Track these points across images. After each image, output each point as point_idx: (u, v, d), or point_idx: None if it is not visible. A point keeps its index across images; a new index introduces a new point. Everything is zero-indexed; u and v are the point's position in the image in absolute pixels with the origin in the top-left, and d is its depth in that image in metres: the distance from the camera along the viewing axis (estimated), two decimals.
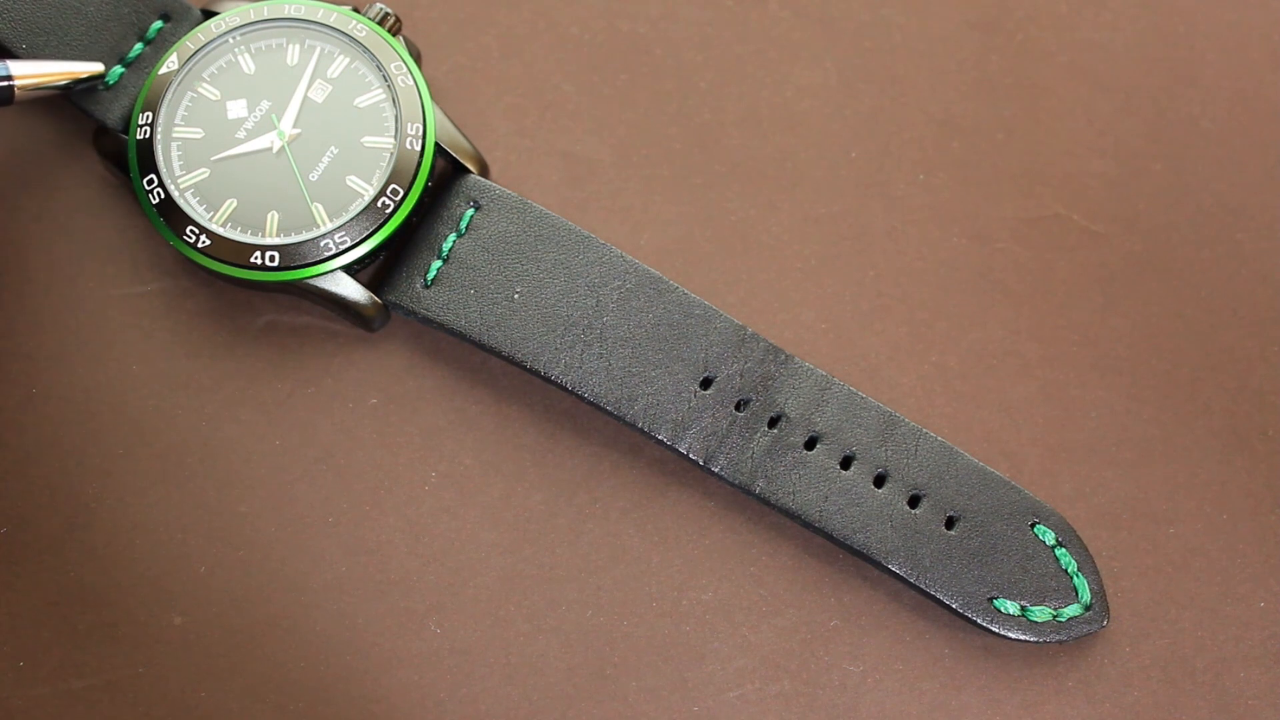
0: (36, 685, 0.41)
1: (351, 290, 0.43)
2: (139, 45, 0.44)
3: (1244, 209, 0.47)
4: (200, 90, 0.44)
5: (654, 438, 0.42)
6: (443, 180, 0.44)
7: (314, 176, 0.43)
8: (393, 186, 0.43)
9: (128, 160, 0.43)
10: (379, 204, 0.42)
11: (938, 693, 0.42)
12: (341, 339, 0.44)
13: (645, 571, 0.43)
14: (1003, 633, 0.41)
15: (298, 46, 0.44)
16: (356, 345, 0.44)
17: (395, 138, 0.43)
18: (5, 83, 0.42)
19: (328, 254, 0.42)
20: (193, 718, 0.41)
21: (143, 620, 0.42)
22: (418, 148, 0.43)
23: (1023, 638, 0.41)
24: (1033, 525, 0.42)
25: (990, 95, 0.48)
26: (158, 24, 0.45)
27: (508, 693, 0.42)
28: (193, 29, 0.44)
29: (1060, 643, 0.41)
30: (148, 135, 0.43)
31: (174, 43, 0.44)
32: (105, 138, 0.44)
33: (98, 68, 0.43)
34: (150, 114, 0.43)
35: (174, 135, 0.43)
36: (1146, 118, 0.47)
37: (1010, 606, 0.41)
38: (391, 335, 0.44)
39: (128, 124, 0.44)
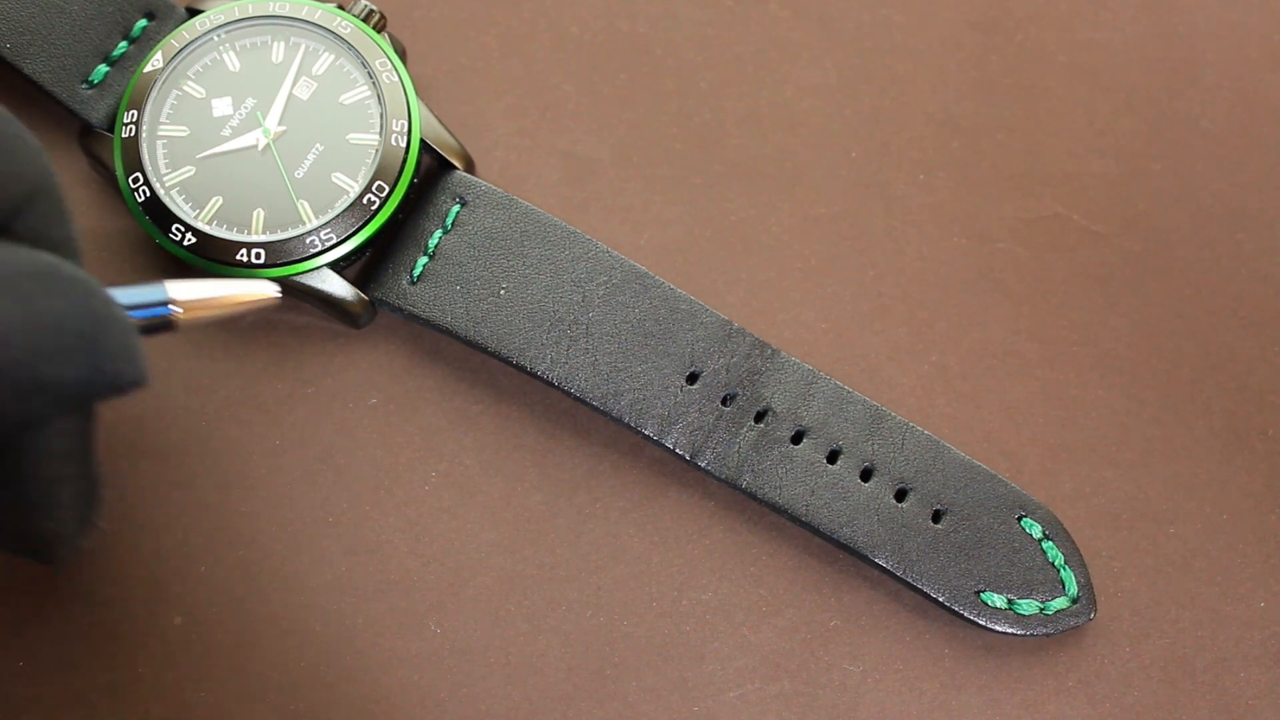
0: (36, 685, 0.41)
1: (338, 287, 0.43)
2: (123, 44, 0.44)
3: (1244, 209, 0.47)
4: (185, 88, 0.44)
5: (640, 432, 0.42)
6: (429, 177, 0.44)
7: (299, 174, 0.43)
8: (378, 183, 0.43)
9: (113, 159, 0.43)
10: (365, 200, 0.42)
11: (938, 693, 0.42)
12: (342, 339, 0.44)
13: (645, 571, 0.43)
14: (990, 626, 0.41)
15: (282, 44, 0.44)
16: (357, 345, 0.44)
17: (380, 134, 0.43)
18: (162, 310, 0.34)
19: (314, 251, 0.42)
20: (193, 718, 0.41)
21: (143, 620, 0.42)
22: (403, 144, 0.43)
23: (1010, 631, 0.41)
24: (1019, 518, 0.42)
25: (990, 95, 0.48)
26: (142, 22, 0.45)
27: (508, 693, 0.42)
28: (177, 27, 0.44)
29: (1047, 635, 0.41)
30: (133, 134, 0.43)
31: (159, 41, 0.44)
32: (90, 137, 0.44)
33: (273, 291, 0.36)
34: (135, 112, 0.43)
35: (159, 133, 0.43)
36: (1146, 118, 0.47)
37: (997, 600, 0.41)
38: (392, 335, 0.44)
39: (113, 122, 0.44)
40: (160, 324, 0.34)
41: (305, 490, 0.43)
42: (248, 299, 0.36)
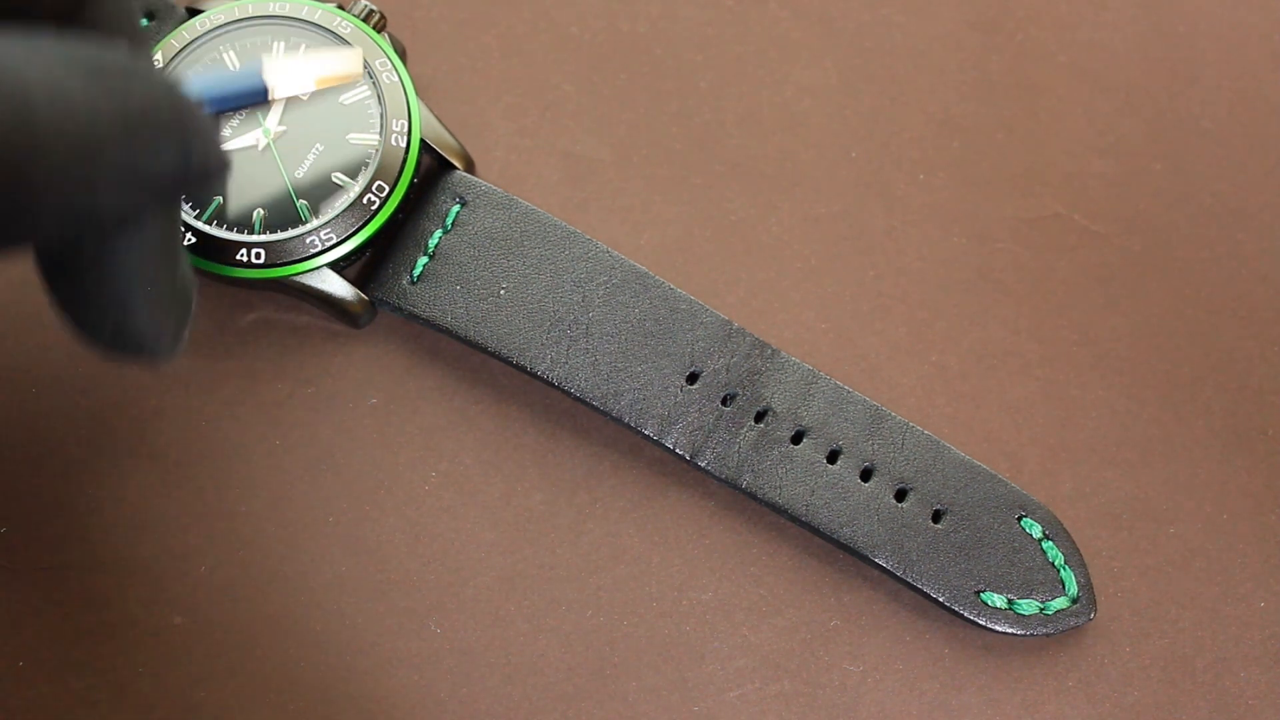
0: (36, 685, 0.41)
1: (338, 287, 0.43)
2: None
3: (1244, 209, 0.47)
4: None
5: (640, 433, 0.42)
6: (429, 177, 0.44)
7: (300, 174, 0.43)
8: (378, 183, 0.43)
9: None
10: (365, 200, 0.42)
11: (938, 693, 0.42)
12: (342, 339, 0.44)
13: (645, 571, 0.43)
14: (990, 626, 0.41)
15: (282, 44, 0.44)
16: (356, 345, 0.44)
17: (380, 134, 0.43)
18: (259, 97, 0.36)
19: (314, 251, 0.42)
20: (193, 718, 0.41)
21: (143, 620, 0.42)
22: (403, 144, 0.43)
23: (1010, 631, 0.41)
24: (1019, 519, 0.42)
25: (990, 95, 0.48)
26: (143, 22, 0.45)
27: (508, 693, 0.42)
28: (177, 27, 0.44)
29: (1047, 635, 0.41)
30: None
31: (159, 40, 0.44)
32: None
33: (358, 67, 0.38)
34: None
35: None
36: (1146, 118, 0.47)
37: (997, 599, 0.41)
38: (392, 335, 0.44)
39: None
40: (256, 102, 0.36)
41: (305, 490, 0.43)
42: (334, 78, 0.37)
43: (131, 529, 0.42)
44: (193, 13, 0.45)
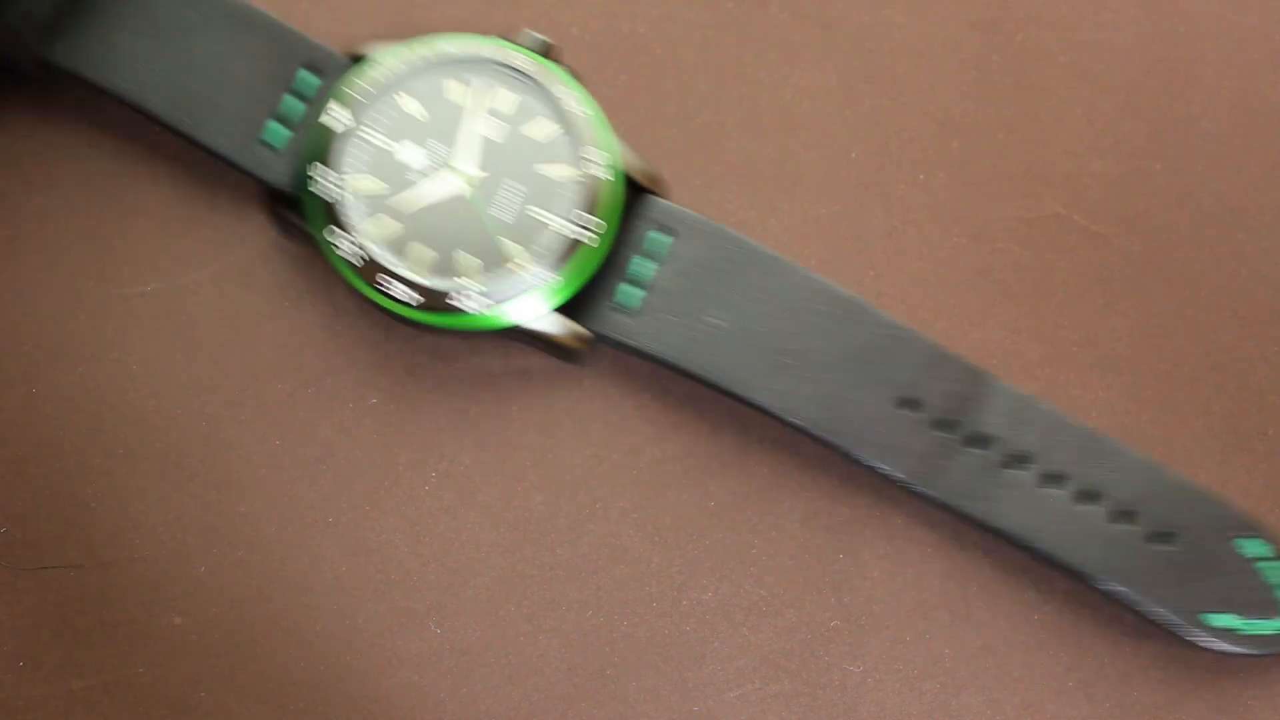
0: (36, 685, 0.41)
1: (559, 327, 0.42)
2: (294, 100, 0.43)
3: (1244, 209, 0.47)
4: (369, 138, 0.42)
5: (861, 462, 0.42)
6: (629, 206, 0.43)
7: (501, 215, 0.42)
8: (586, 216, 0.41)
9: (306, 218, 0.42)
10: (574, 236, 0.41)
11: (938, 693, 0.42)
12: (342, 339, 0.44)
13: (645, 571, 0.43)
14: (1217, 647, 0.41)
15: (462, 84, 0.43)
16: (356, 345, 0.44)
17: (579, 167, 0.42)
18: None
19: (528, 291, 0.41)
20: (193, 718, 0.41)
21: (143, 620, 0.42)
22: (603, 175, 0.42)
23: (1236, 651, 0.41)
24: (1241, 539, 0.42)
25: (990, 95, 0.48)
26: (309, 76, 0.43)
27: (508, 693, 0.42)
28: (347, 75, 0.43)
29: (1272, 655, 0.41)
30: (322, 190, 0.42)
31: (331, 92, 0.43)
32: (276, 199, 0.43)
33: None
34: (321, 167, 0.42)
35: (351, 187, 0.42)
36: (1146, 118, 0.47)
37: (1223, 621, 0.41)
38: (391, 334, 0.44)
39: (298, 182, 0.42)
40: None
41: (305, 490, 0.43)
42: None
43: (131, 529, 0.42)
44: (355, 59, 0.43)
